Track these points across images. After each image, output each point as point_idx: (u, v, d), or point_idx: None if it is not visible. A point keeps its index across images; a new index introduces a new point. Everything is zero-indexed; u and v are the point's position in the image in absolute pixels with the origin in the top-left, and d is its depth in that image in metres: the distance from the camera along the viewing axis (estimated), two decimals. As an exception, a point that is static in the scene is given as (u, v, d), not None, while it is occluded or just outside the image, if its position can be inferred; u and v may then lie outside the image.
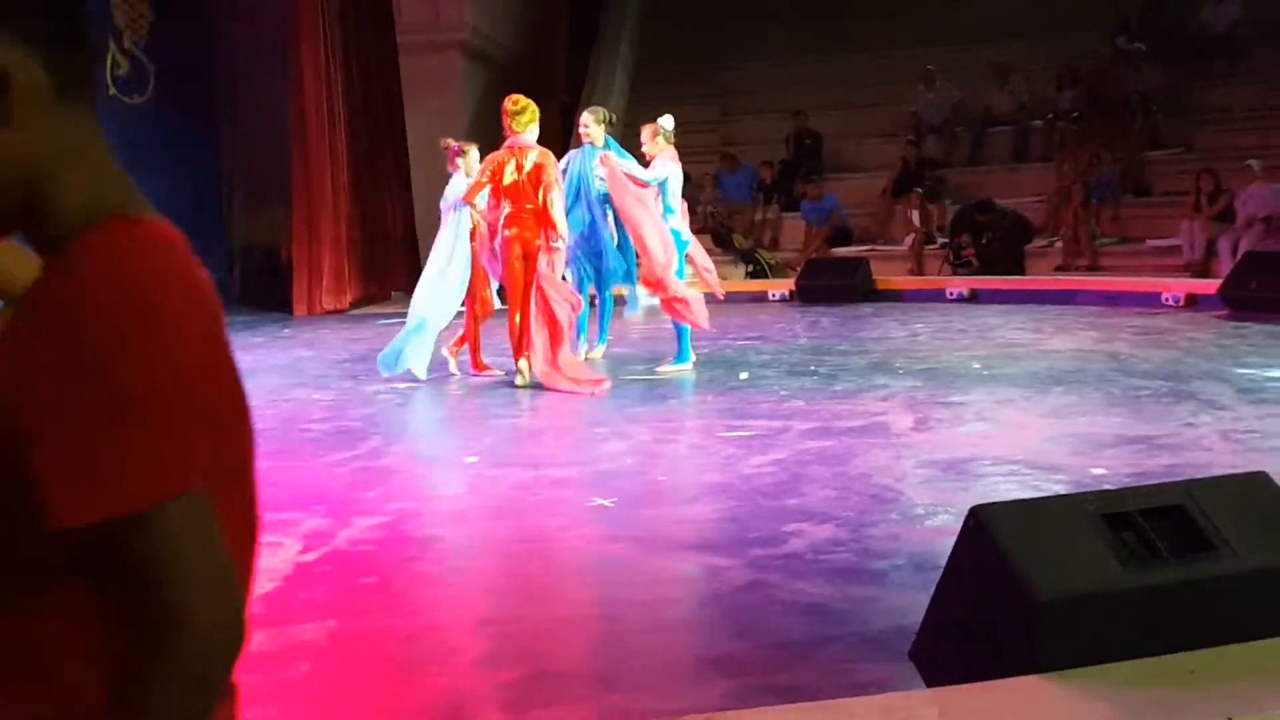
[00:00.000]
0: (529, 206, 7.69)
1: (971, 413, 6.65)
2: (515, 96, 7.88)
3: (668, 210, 8.44)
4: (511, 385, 7.95)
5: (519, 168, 7.68)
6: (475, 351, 8.51)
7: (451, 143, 8.64)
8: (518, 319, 7.71)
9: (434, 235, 8.46)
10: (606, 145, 8.93)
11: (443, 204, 8.31)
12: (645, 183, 8.26)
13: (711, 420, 6.80)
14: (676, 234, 8.40)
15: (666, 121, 8.63)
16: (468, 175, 8.22)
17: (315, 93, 14.06)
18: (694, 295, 8.33)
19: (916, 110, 17.11)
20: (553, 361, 7.64)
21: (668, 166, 8.40)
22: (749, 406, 7.11)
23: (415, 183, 15.44)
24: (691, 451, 6.09)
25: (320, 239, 14.08)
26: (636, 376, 8.42)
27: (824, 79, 17.94)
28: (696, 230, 16.97)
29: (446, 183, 8.43)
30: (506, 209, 7.74)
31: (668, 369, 8.55)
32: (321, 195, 14.16)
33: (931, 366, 8.40)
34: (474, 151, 8.44)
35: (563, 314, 7.62)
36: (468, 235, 8.11)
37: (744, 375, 8.28)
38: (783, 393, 7.53)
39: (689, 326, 8.39)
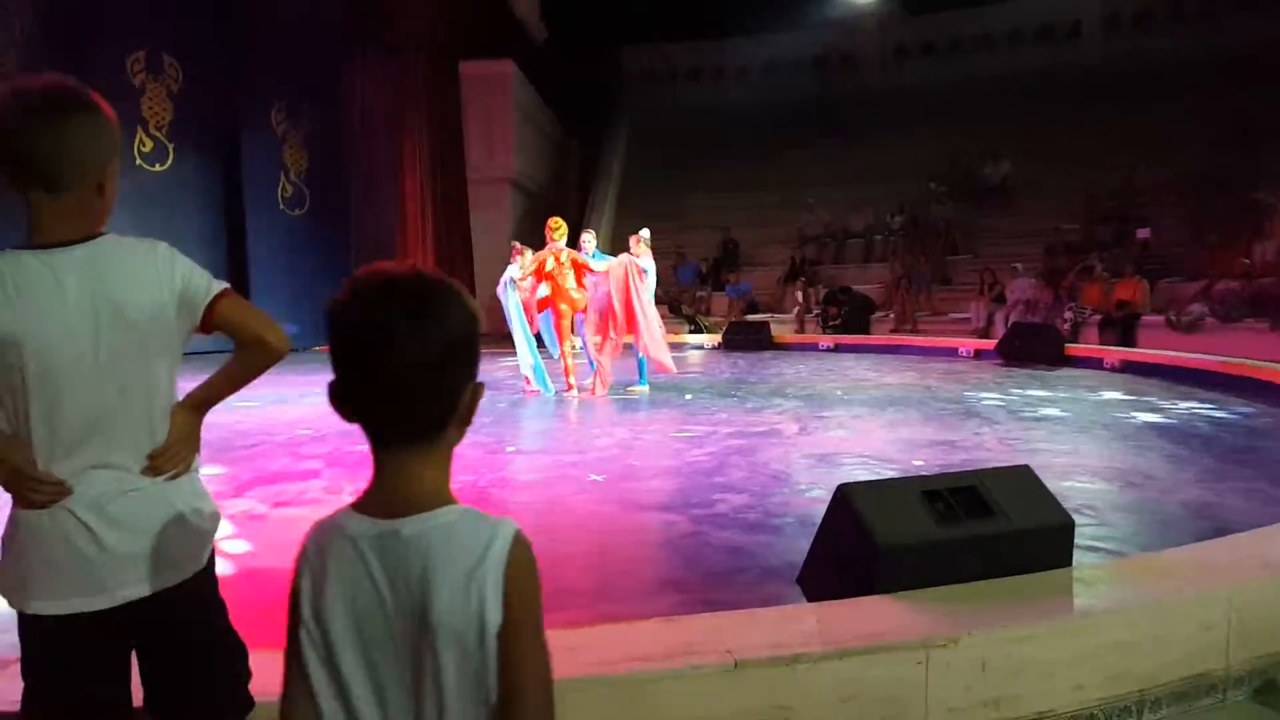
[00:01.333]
0: (565, 285, 7.92)
1: (836, 423, 6.59)
2: (555, 220, 8.10)
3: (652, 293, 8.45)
4: (545, 399, 7.86)
5: (557, 260, 7.87)
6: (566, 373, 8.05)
7: (516, 244, 8.74)
8: (563, 356, 7.94)
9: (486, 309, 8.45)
10: (595, 255, 8.87)
11: (503, 280, 8.32)
12: (645, 270, 8.18)
13: (667, 425, 6.69)
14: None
15: (645, 233, 8.56)
16: (520, 266, 8.18)
17: (413, 210, 13.85)
18: (664, 350, 8.28)
19: (801, 228, 17.18)
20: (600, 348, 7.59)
21: (649, 262, 8.39)
22: (692, 417, 7.01)
23: (477, 273, 15.23)
24: (655, 445, 5.95)
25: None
26: (618, 395, 8.27)
27: (744, 205, 17.94)
28: (660, 302, 16.88)
29: (503, 269, 8.45)
30: (546, 289, 7.94)
31: (634, 389, 8.46)
32: (412, 239, 13.79)
33: (810, 393, 8.34)
34: (527, 254, 8.46)
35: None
36: (520, 305, 8.09)
37: (688, 396, 8.17)
38: (714, 409, 7.42)
39: (647, 360, 8.28)
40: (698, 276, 17.07)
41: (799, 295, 15.28)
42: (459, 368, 1.03)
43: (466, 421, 1.05)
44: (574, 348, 8.56)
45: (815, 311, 15.08)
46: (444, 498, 1.05)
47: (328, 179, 14.01)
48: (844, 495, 2.68)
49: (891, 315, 14.42)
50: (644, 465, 5.28)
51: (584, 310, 8.20)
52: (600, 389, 8.22)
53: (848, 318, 14.42)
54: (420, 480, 1.05)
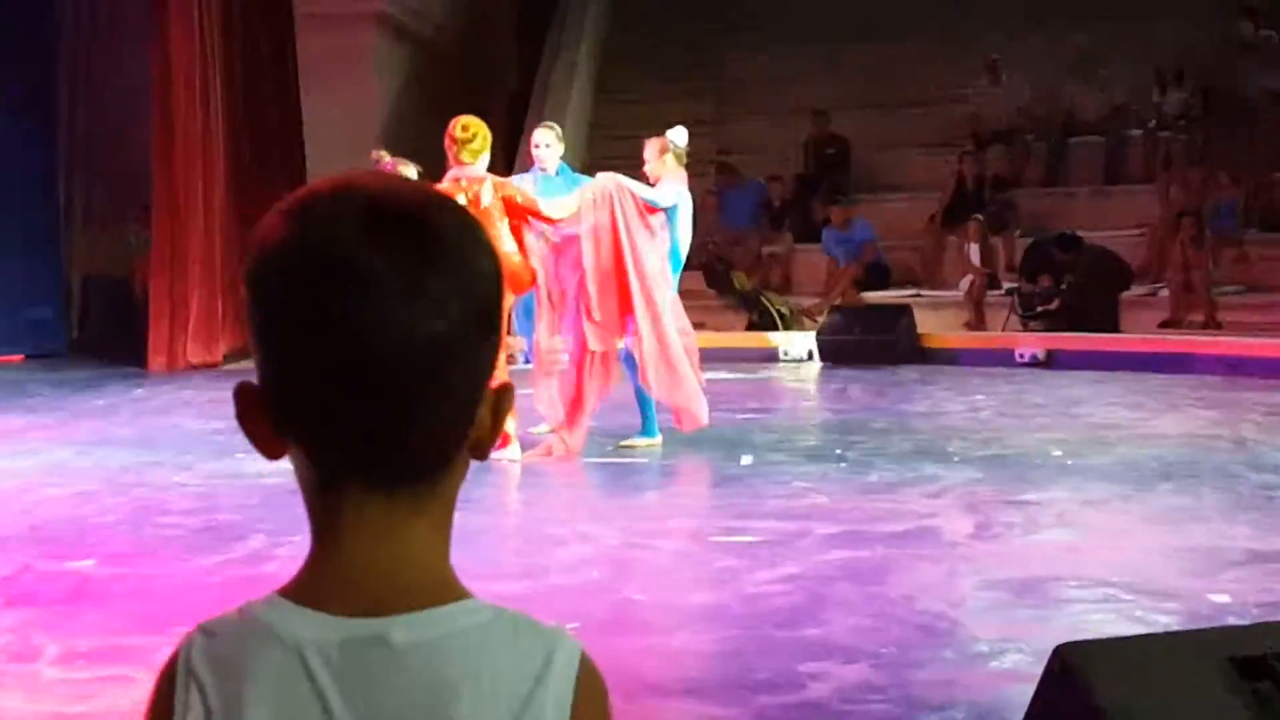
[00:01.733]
0: None
1: (1051, 515, 6.70)
2: (465, 122, 8.18)
3: (674, 254, 8.61)
4: None
5: (474, 203, 7.90)
6: None
7: (385, 156, 8.77)
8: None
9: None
10: (560, 174, 9.07)
11: None
12: (657, 207, 8.42)
13: (702, 519, 6.83)
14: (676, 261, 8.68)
15: (678, 136, 8.74)
16: None
17: (185, 78, 14.09)
18: (689, 381, 8.45)
19: (976, 111, 17.33)
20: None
21: (672, 193, 8.53)
22: (753, 502, 7.13)
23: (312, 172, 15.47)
24: (676, 561, 6.10)
25: (187, 269, 14.08)
26: (599, 458, 8.47)
27: (853, 69, 18.21)
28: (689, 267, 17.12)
29: None
30: None
31: (636, 444, 8.67)
32: (190, 212, 14.17)
33: (997, 452, 8.48)
34: (409, 170, 8.54)
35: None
36: None
37: (746, 460, 8.36)
38: (798, 484, 7.58)
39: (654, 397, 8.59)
40: (763, 212, 17.29)
41: (972, 252, 15.44)
42: (484, 354, 1.14)
43: (486, 446, 1.17)
44: (512, 361, 8.69)
45: (1007, 286, 15.22)
46: (455, 585, 1.16)
47: (9, 17, 14.57)
48: (1069, 666, 2.67)
49: (1163, 292, 14.55)
50: (656, 603, 5.45)
51: (533, 289, 8.37)
52: (568, 443, 8.37)
53: (1073, 297, 14.50)
54: (415, 551, 1.15)
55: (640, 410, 8.74)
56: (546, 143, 9.24)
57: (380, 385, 1.10)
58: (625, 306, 8.29)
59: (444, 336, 1.10)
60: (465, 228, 1.15)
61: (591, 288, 8.24)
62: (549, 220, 8.26)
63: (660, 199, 8.43)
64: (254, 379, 1.14)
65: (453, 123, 8.19)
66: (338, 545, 1.16)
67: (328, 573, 1.16)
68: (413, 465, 1.14)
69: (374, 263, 1.09)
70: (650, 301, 8.32)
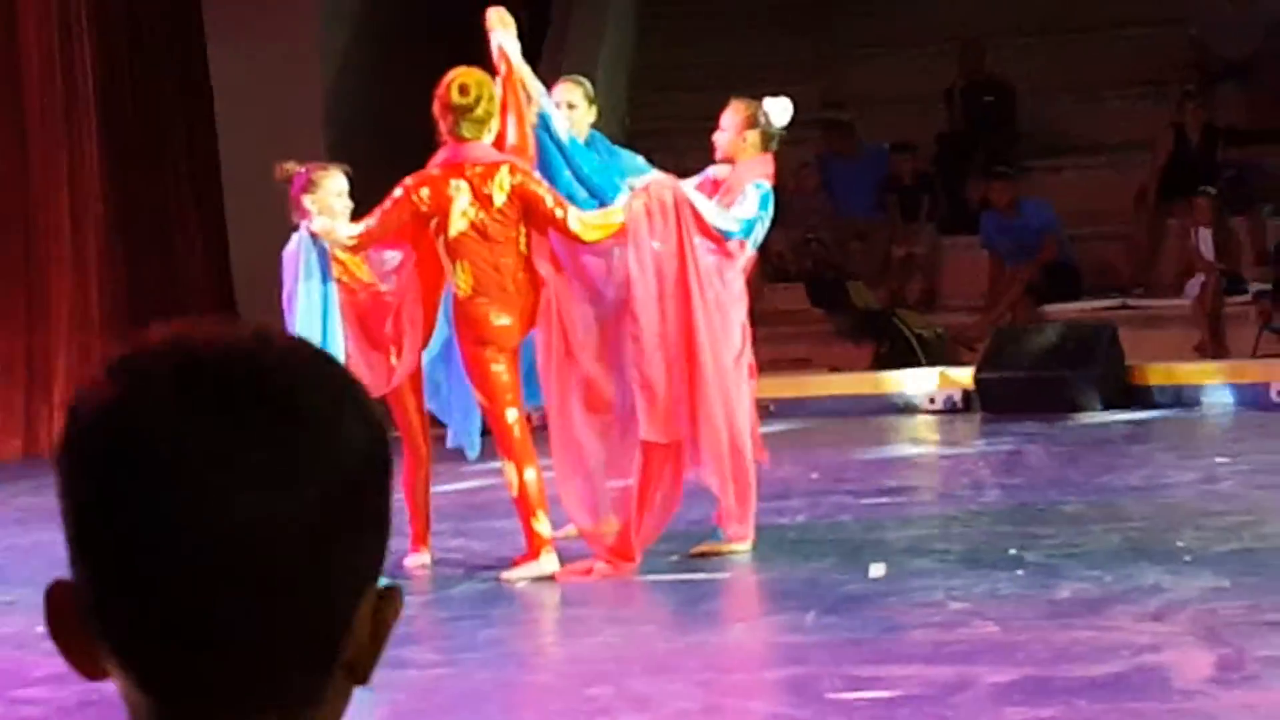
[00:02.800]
0: (506, 262, 8.25)
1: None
2: (462, 80, 8.30)
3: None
4: (454, 587, 8.27)
5: (482, 200, 8.07)
6: (415, 520, 8.93)
7: (293, 168, 8.85)
8: (517, 472, 8.36)
9: (267, 297, 8.66)
10: (591, 142, 9.27)
11: (297, 239, 8.52)
12: (727, 236, 8.60)
13: (814, 665, 6.77)
14: None
15: (777, 110, 8.96)
16: (323, 216, 8.44)
17: (41, 33, 14.19)
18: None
19: (1198, 35, 17.24)
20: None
21: (761, 196, 8.72)
22: (888, 636, 7.12)
23: (232, 206, 15.56)
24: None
25: (50, 319, 14.19)
26: (661, 574, 8.54)
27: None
28: (777, 278, 17.07)
29: (290, 218, 8.62)
30: (462, 278, 8.31)
31: (716, 548, 8.77)
32: (51, 223, 14.22)
33: (1249, 546, 8.42)
34: (334, 180, 8.59)
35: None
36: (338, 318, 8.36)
37: (877, 570, 8.35)
38: (954, 606, 7.54)
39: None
40: (889, 193, 17.28)
41: (1203, 239, 15.31)
42: (353, 550, 1.24)
43: (363, 668, 1.26)
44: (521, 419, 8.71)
45: (1254, 288, 15.07)
46: None
47: None
48: None
49: None
50: None
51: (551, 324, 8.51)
52: (620, 557, 8.51)
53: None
54: None
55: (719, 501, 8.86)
56: (571, 102, 9.26)
57: (202, 586, 1.18)
58: (694, 381, 8.39)
59: (282, 523, 1.18)
60: (330, 386, 1.25)
61: (652, 356, 8.30)
62: (579, 240, 8.31)
63: (732, 223, 8.52)
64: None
65: (443, 83, 8.30)
66: None
67: None
68: (271, 691, 1.22)
69: (190, 431, 1.18)
70: (721, 371, 8.54)
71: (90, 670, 1.24)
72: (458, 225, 8.25)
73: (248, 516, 1.18)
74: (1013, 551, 8.54)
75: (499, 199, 8.15)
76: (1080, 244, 16.26)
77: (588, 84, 9.66)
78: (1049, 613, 7.30)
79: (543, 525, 8.35)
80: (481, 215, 8.22)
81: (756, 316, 16.45)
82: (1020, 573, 8.08)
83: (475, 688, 6.79)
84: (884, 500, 10.26)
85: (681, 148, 14.74)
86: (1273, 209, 15.85)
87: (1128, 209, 16.59)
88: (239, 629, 1.20)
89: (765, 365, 15.59)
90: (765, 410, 14.19)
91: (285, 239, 8.63)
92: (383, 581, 1.27)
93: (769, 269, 16.43)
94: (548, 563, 8.25)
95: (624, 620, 7.81)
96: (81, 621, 1.22)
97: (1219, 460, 10.92)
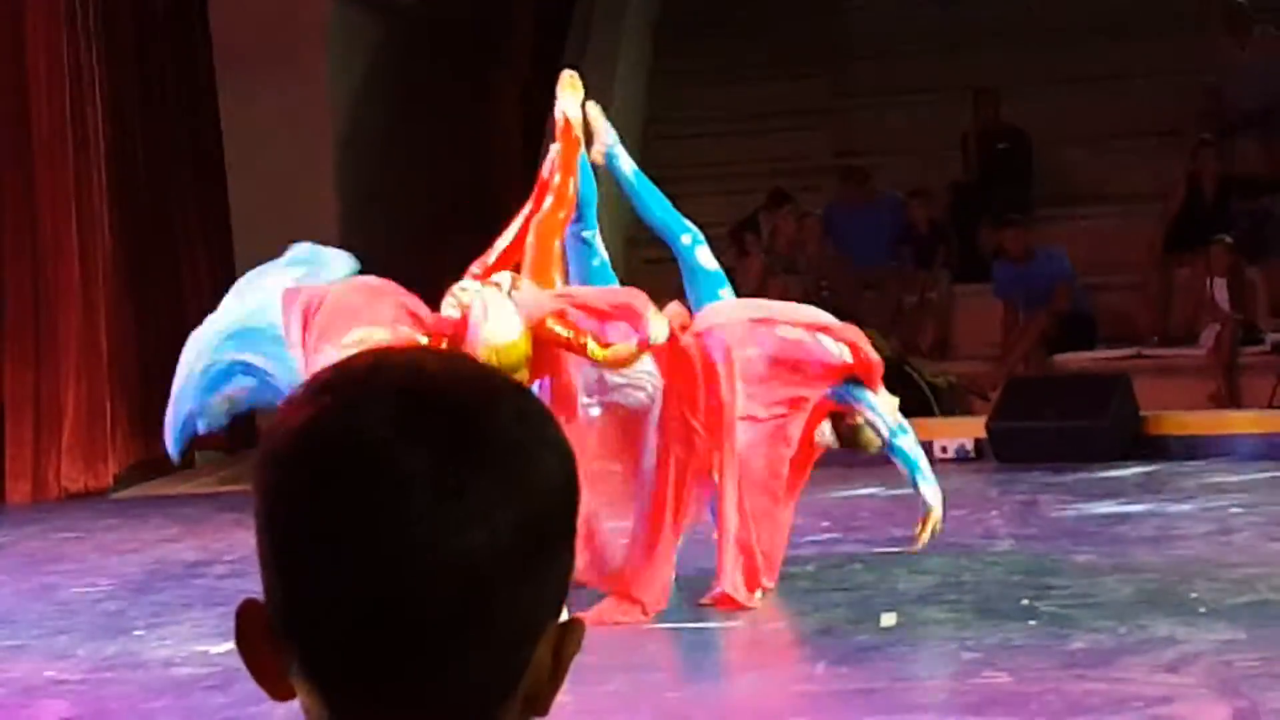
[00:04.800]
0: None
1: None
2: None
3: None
4: None
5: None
6: None
7: None
8: None
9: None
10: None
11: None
12: None
13: (825, 715, 6.88)
14: None
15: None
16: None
17: (51, 73, 14.26)
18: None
19: (1217, 85, 17.26)
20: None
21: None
22: (900, 686, 7.12)
23: (240, 249, 15.59)
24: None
25: (59, 358, 14.23)
26: (667, 622, 8.53)
27: (1033, 28, 18.25)
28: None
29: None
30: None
31: (724, 596, 8.80)
32: (61, 260, 14.27)
33: (1265, 598, 8.41)
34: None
35: None
36: None
37: (888, 620, 8.35)
38: (967, 656, 7.54)
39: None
40: (902, 241, 17.29)
41: (1218, 289, 15.29)
42: (541, 581, 1.28)
43: (544, 700, 1.31)
44: None
45: (1273, 340, 15.04)
46: None
47: None
48: None
49: None
50: None
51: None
52: (644, 601, 8.67)
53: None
54: None
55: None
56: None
57: (406, 613, 1.22)
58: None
59: (485, 554, 1.22)
60: (527, 419, 1.29)
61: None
62: (597, 361, 8.39)
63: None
64: (260, 595, 1.27)
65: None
66: None
67: None
68: (440, 716, 1.25)
69: (408, 459, 1.22)
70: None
71: (278, 690, 1.28)
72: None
73: (466, 548, 1.21)
74: (1025, 602, 8.55)
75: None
76: (1094, 293, 16.24)
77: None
78: (1062, 663, 7.31)
79: None
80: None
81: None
82: (1033, 623, 8.08)
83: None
84: (895, 549, 10.23)
85: (694, 193, 14.81)
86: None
87: (1142, 258, 16.57)
88: (438, 660, 1.23)
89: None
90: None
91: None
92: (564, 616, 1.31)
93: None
94: None
95: (633, 668, 7.77)
96: (272, 641, 1.27)
97: (1234, 511, 10.90)
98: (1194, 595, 8.51)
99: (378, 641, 1.23)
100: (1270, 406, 14.41)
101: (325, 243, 15.04)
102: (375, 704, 1.25)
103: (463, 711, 1.26)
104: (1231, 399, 14.75)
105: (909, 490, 10.61)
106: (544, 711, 1.31)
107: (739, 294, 16.31)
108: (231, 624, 1.30)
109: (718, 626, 8.49)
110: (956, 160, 17.78)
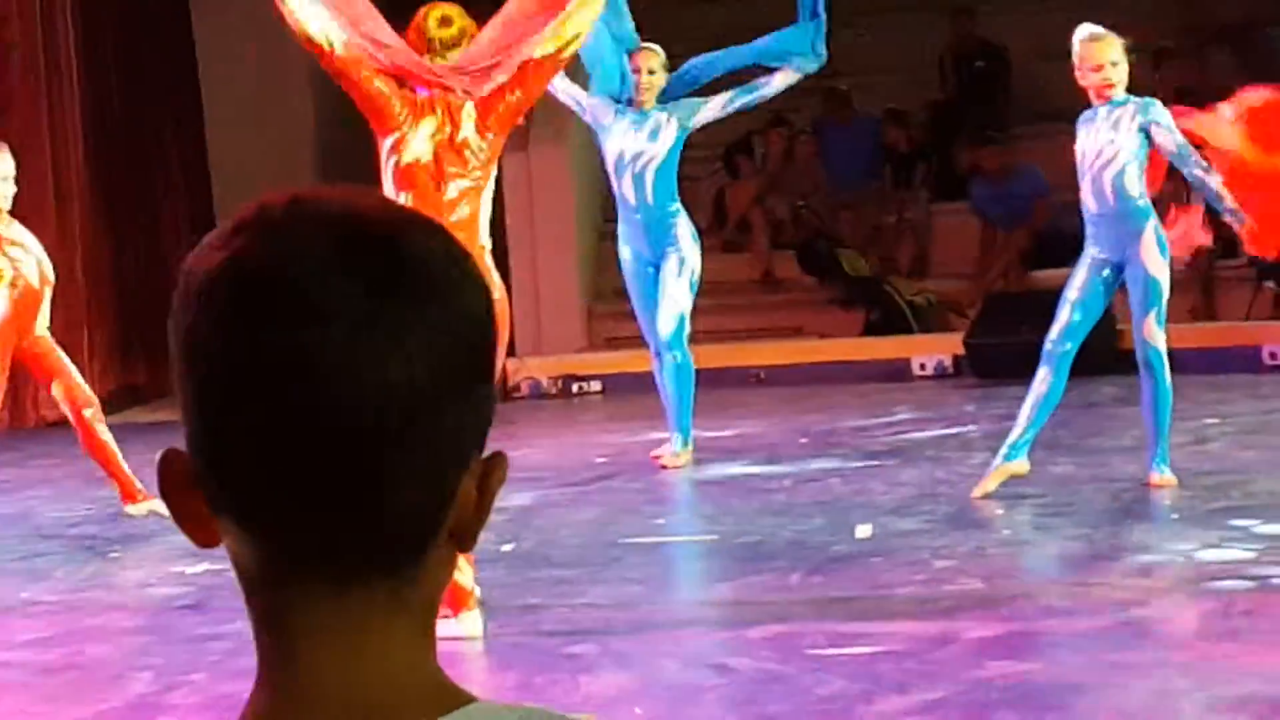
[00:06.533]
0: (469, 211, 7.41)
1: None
2: (444, 11, 7.61)
3: None
4: None
5: (450, 126, 7.38)
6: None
7: None
8: None
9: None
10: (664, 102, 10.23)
11: None
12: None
13: (799, 624, 6.81)
14: None
15: None
16: None
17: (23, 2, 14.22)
18: None
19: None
20: None
21: None
22: (874, 594, 7.16)
23: (219, 169, 15.57)
24: (760, 689, 6.09)
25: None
26: (645, 536, 8.44)
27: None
28: (773, 245, 17.11)
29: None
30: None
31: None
32: (35, 189, 14.19)
33: (1237, 504, 8.45)
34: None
35: None
36: None
37: (864, 531, 8.37)
38: (940, 564, 7.56)
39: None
40: (881, 160, 17.43)
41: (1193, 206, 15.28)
42: (470, 412, 1.29)
43: (470, 533, 1.30)
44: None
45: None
46: (456, 689, 1.30)
47: None
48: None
49: None
50: None
51: None
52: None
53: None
54: (398, 660, 1.29)
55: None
56: (652, 68, 10.10)
57: (342, 445, 1.22)
58: None
59: (408, 384, 1.23)
60: (452, 257, 1.30)
61: None
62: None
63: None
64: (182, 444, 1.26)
65: (422, 13, 7.69)
66: (295, 663, 1.27)
67: (286, 702, 1.26)
68: (384, 551, 1.26)
69: (339, 292, 1.23)
70: None
71: (202, 536, 1.28)
72: (415, 150, 7.42)
73: (390, 378, 1.22)
74: (1000, 512, 8.62)
75: (465, 128, 7.36)
76: (1071, 210, 16.20)
77: (662, 53, 10.43)
78: (1035, 570, 7.37)
79: (466, 576, 7.06)
80: (446, 136, 7.36)
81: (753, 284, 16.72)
82: (1007, 532, 8.16)
83: (455, 648, 6.79)
84: (872, 464, 10.30)
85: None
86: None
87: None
88: (363, 491, 1.23)
89: (757, 332, 15.70)
90: (755, 377, 14.28)
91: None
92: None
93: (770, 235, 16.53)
94: (469, 625, 7.03)
95: (609, 581, 7.82)
96: (194, 486, 1.27)
97: (1209, 422, 10.96)
98: (1167, 503, 8.59)
99: (302, 475, 1.23)
100: (1247, 319, 14.45)
101: (301, 164, 15.10)
102: (302, 539, 1.26)
103: (391, 545, 1.27)
104: (1208, 313, 14.77)
105: (887, 411, 10.65)
106: (469, 546, 1.32)
107: (728, 217, 16.63)
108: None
109: (694, 539, 8.56)
110: (934, 80, 17.76)
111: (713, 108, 10.49)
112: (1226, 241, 15.04)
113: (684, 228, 10.48)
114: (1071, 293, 9.15)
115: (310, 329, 1.22)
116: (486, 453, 1.30)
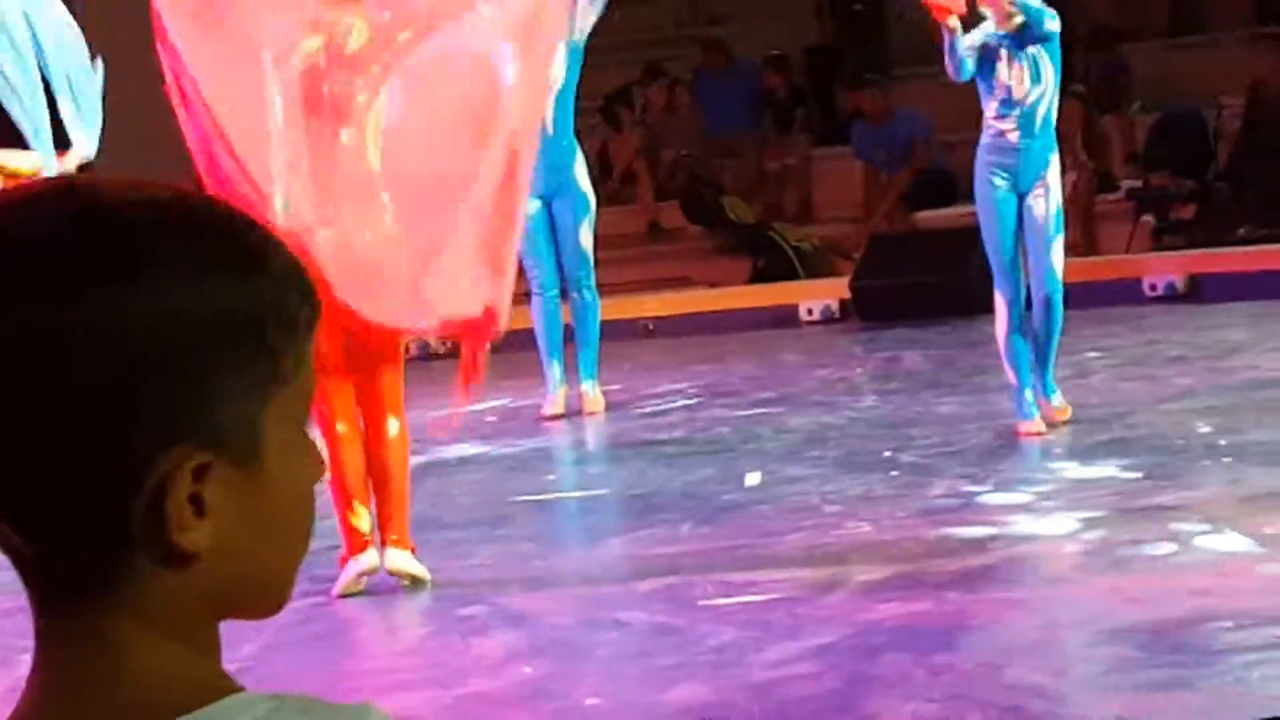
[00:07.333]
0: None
1: (1197, 525, 6.70)
2: None
3: None
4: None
5: (334, 49, 6.75)
6: None
7: None
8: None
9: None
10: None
11: None
12: None
13: (688, 574, 6.82)
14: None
15: None
16: None
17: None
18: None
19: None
20: None
21: None
22: (762, 541, 7.16)
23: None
24: (650, 641, 6.12)
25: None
26: (536, 494, 8.45)
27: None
28: (658, 196, 17.10)
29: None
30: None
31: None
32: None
33: (1119, 436, 8.54)
34: None
35: None
36: None
37: (753, 478, 8.41)
38: (829, 509, 7.61)
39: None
40: (761, 107, 17.41)
41: (1072, 139, 15.37)
42: (139, 402, 1.23)
43: (173, 547, 1.24)
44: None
45: (1126, 185, 15.17)
46: (218, 682, 1.28)
47: None
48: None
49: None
50: (624, 706, 5.55)
51: None
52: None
53: (1224, 197, 14.50)
54: (140, 661, 1.27)
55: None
56: None
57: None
58: None
59: (41, 395, 1.21)
60: (138, 210, 1.26)
61: None
62: None
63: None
64: None
65: None
66: (46, 667, 1.27)
67: (45, 703, 1.26)
68: (70, 565, 1.24)
69: None
70: None
71: None
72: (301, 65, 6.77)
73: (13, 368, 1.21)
74: (887, 454, 8.64)
75: (352, 42, 6.77)
76: (951, 151, 16.28)
77: None
78: (922, 511, 7.40)
79: (362, 520, 6.96)
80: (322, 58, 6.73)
81: (640, 235, 16.70)
82: (895, 473, 8.17)
83: (348, 613, 6.83)
84: (761, 411, 10.33)
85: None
86: (1140, 107, 15.96)
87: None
88: (18, 490, 1.22)
89: (645, 283, 15.69)
90: (645, 329, 14.28)
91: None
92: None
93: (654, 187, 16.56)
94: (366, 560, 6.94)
95: (500, 540, 7.82)
96: None
97: (1091, 355, 11.05)
98: (1050, 437, 8.67)
99: None
100: (1127, 252, 14.59)
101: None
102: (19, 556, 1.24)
103: (87, 555, 1.24)
104: (1088, 247, 14.89)
105: (776, 358, 10.68)
106: (182, 553, 1.25)
107: (612, 169, 16.58)
108: None
109: (584, 495, 8.60)
110: (812, 24, 17.79)
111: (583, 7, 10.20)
112: (1103, 175, 15.24)
113: (580, 169, 10.45)
114: None
115: None
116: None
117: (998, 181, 8.87)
